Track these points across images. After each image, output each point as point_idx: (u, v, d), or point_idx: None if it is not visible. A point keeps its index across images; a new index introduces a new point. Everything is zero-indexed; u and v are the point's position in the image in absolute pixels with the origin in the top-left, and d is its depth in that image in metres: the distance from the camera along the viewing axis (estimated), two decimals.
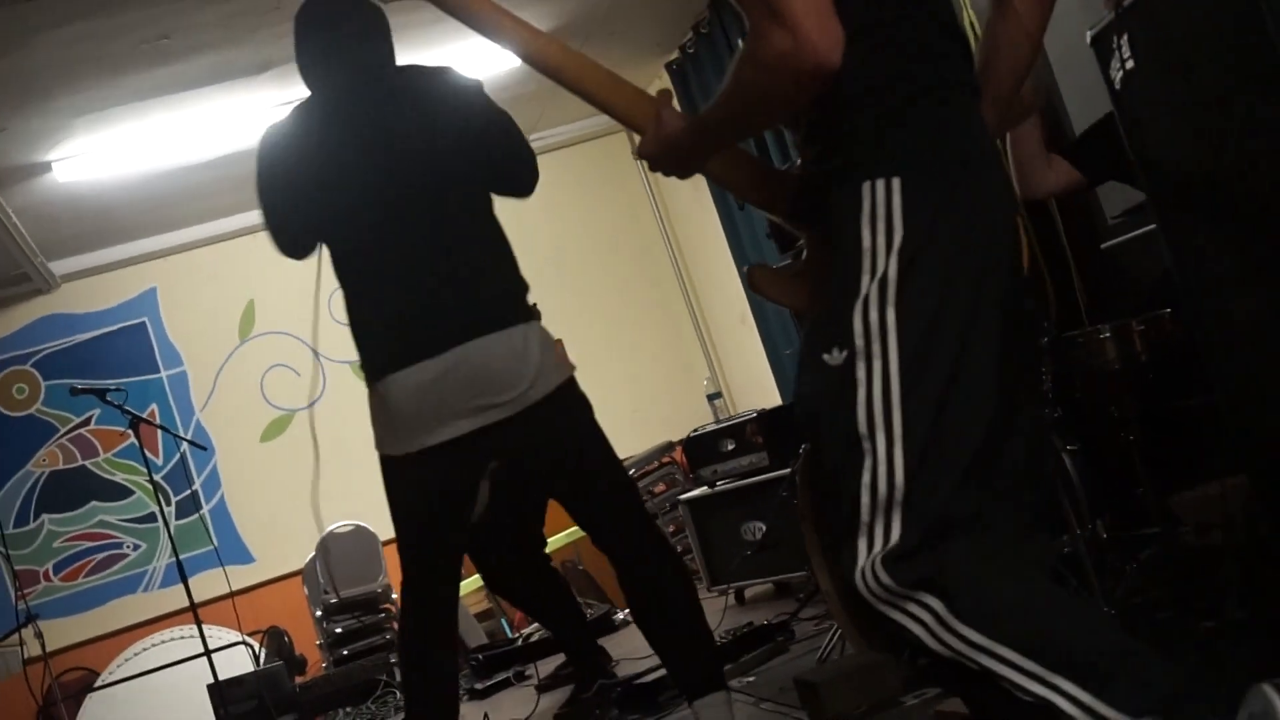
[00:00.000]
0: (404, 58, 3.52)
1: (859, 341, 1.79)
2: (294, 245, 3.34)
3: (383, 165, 3.22)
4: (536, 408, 3.19)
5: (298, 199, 3.25)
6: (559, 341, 3.36)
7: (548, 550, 5.04)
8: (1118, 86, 2.64)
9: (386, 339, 3.21)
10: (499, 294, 3.24)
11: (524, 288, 3.32)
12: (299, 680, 6.60)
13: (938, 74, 1.83)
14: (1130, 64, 2.55)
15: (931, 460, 1.77)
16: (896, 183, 1.78)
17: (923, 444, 1.77)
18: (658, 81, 8.17)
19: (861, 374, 1.79)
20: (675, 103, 2.15)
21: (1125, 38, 2.53)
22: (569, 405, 3.29)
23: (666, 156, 2.06)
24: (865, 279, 1.78)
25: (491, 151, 3.36)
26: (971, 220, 1.79)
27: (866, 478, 1.78)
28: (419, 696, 3.30)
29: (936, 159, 1.80)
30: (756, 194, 2.19)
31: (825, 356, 1.83)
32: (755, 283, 2.16)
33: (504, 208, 3.78)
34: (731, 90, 1.81)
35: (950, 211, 1.78)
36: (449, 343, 3.13)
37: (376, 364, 3.22)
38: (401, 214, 3.20)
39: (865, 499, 1.79)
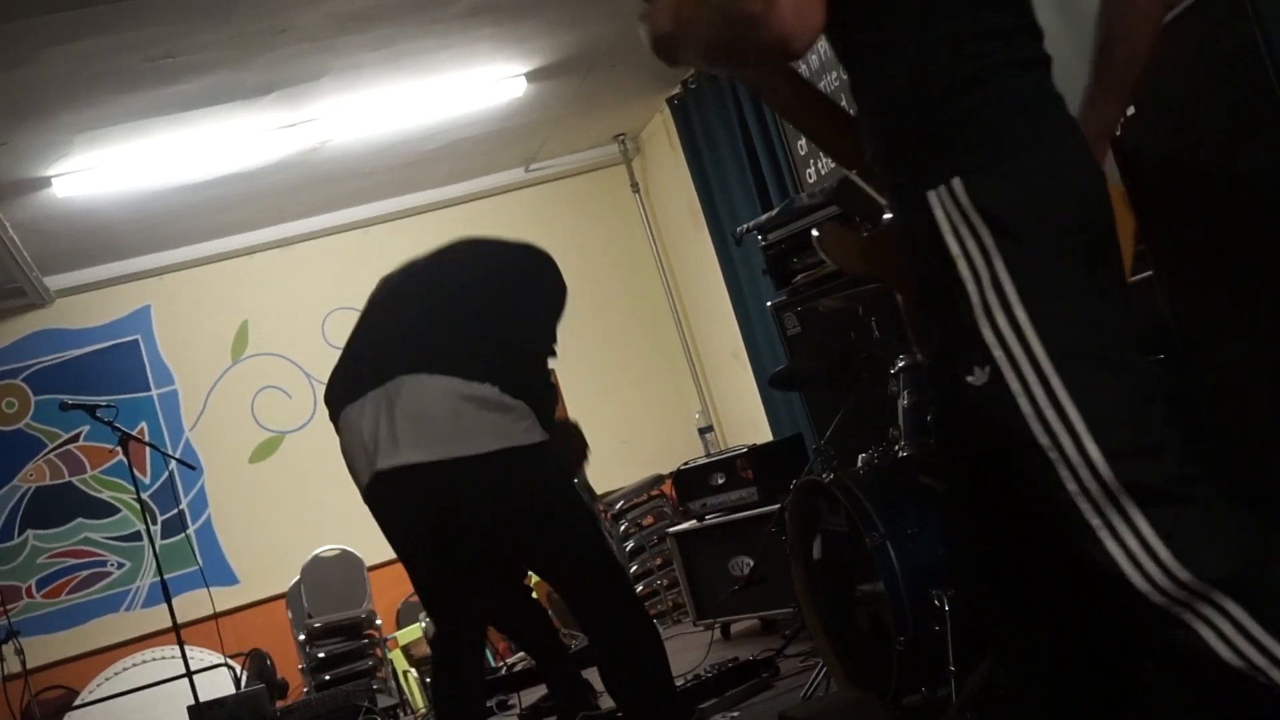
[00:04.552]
0: (409, 85, 3.62)
1: (998, 352, 1.68)
2: None
3: (406, 292, 3.59)
4: (474, 461, 3.23)
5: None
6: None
7: (531, 581, 5.02)
8: (1117, 131, 2.66)
9: (343, 375, 3.49)
10: (468, 351, 3.35)
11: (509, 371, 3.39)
12: (280, 704, 6.56)
13: (987, 57, 1.73)
14: (1130, 110, 2.57)
15: (1132, 438, 1.66)
16: (958, 182, 1.69)
17: (1115, 425, 1.66)
18: (659, 116, 8.21)
19: (1015, 384, 1.67)
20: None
21: None
22: (519, 470, 3.30)
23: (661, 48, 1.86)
24: (972, 287, 1.69)
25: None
26: (1052, 192, 1.69)
27: (1071, 485, 1.66)
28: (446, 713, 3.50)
29: (992, 146, 1.70)
30: (834, 142, 2.09)
31: (969, 379, 1.71)
32: (825, 245, 2.01)
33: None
34: (712, 22, 1.72)
35: (1026, 191, 1.68)
36: (385, 378, 3.33)
37: (332, 399, 3.49)
38: (398, 310, 3.54)
39: (1084, 505, 1.66)
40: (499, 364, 3.33)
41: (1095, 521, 1.66)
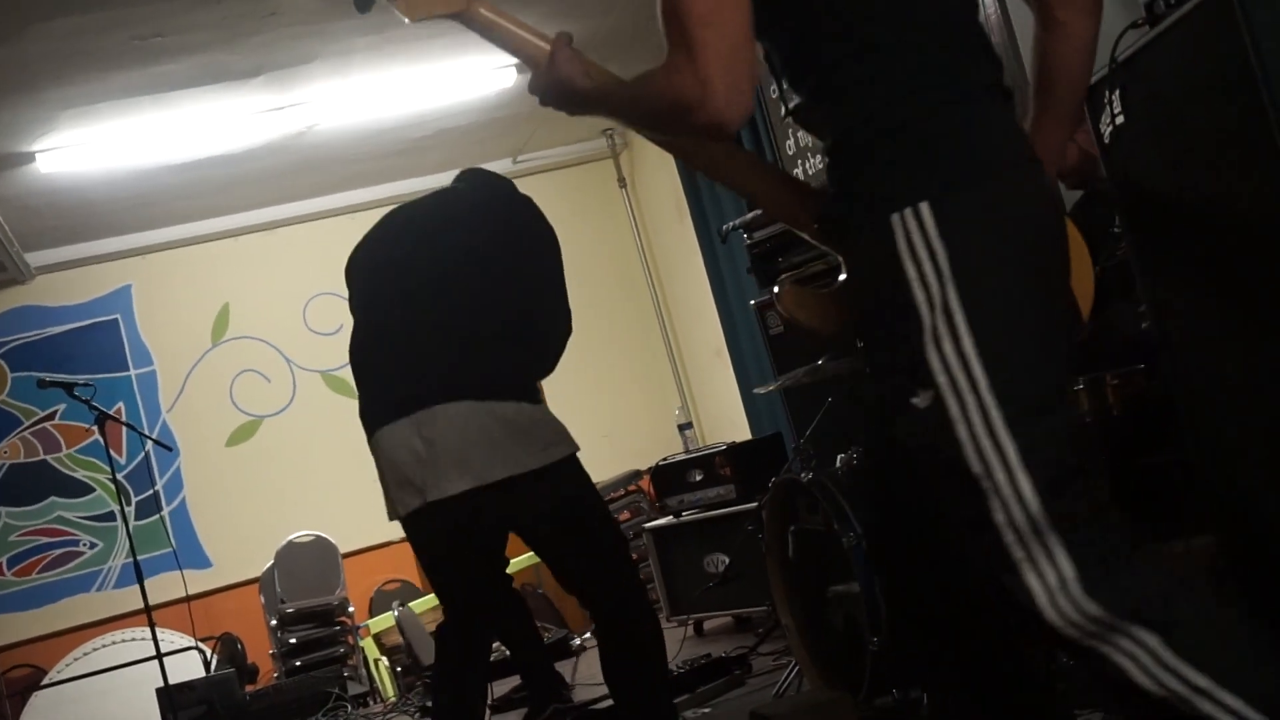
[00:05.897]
0: (399, 72, 3.60)
1: (941, 378, 1.69)
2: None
3: (417, 260, 3.53)
4: (523, 479, 3.24)
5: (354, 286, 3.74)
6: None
7: (509, 572, 5.00)
8: (1106, 140, 2.66)
9: (377, 393, 3.42)
10: (494, 370, 3.33)
11: (529, 374, 3.46)
12: (250, 689, 6.54)
13: (949, 85, 1.76)
14: (1121, 119, 2.57)
15: (1062, 474, 1.68)
16: (925, 207, 1.70)
17: (1047, 460, 1.68)
18: None
19: (955, 410, 1.69)
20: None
21: (1117, 93, 2.56)
22: (558, 484, 3.34)
23: (558, 99, 1.96)
24: (924, 311, 1.70)
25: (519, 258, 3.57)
26: (1014, 222, 1.72)
27: (999, 516, 1.68)
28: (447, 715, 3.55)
29: (960, 173, 1.72)
30: (778, 208, 2.10)
31: (914, 400, 1.72)
32: (784, 303, 2.01)
33: None
34: (637, 96, 1.79)
35: (990, 220, 1.71)
36: (415, 406, 3.28)
37: (368, 417, 3.42)
38: (415, 295, 3.45)
39: (1009, 537, 1.68)
40: (519, 362, 3.39)
41: (1019, 554, 1.68)
